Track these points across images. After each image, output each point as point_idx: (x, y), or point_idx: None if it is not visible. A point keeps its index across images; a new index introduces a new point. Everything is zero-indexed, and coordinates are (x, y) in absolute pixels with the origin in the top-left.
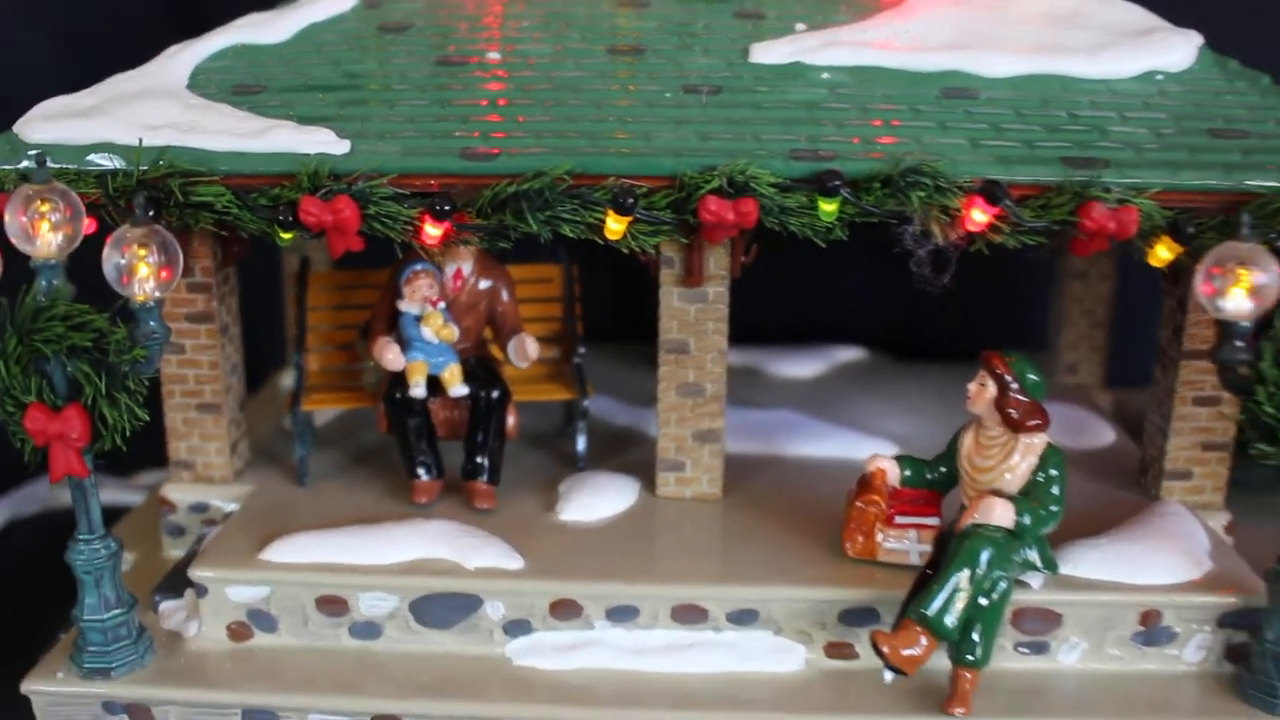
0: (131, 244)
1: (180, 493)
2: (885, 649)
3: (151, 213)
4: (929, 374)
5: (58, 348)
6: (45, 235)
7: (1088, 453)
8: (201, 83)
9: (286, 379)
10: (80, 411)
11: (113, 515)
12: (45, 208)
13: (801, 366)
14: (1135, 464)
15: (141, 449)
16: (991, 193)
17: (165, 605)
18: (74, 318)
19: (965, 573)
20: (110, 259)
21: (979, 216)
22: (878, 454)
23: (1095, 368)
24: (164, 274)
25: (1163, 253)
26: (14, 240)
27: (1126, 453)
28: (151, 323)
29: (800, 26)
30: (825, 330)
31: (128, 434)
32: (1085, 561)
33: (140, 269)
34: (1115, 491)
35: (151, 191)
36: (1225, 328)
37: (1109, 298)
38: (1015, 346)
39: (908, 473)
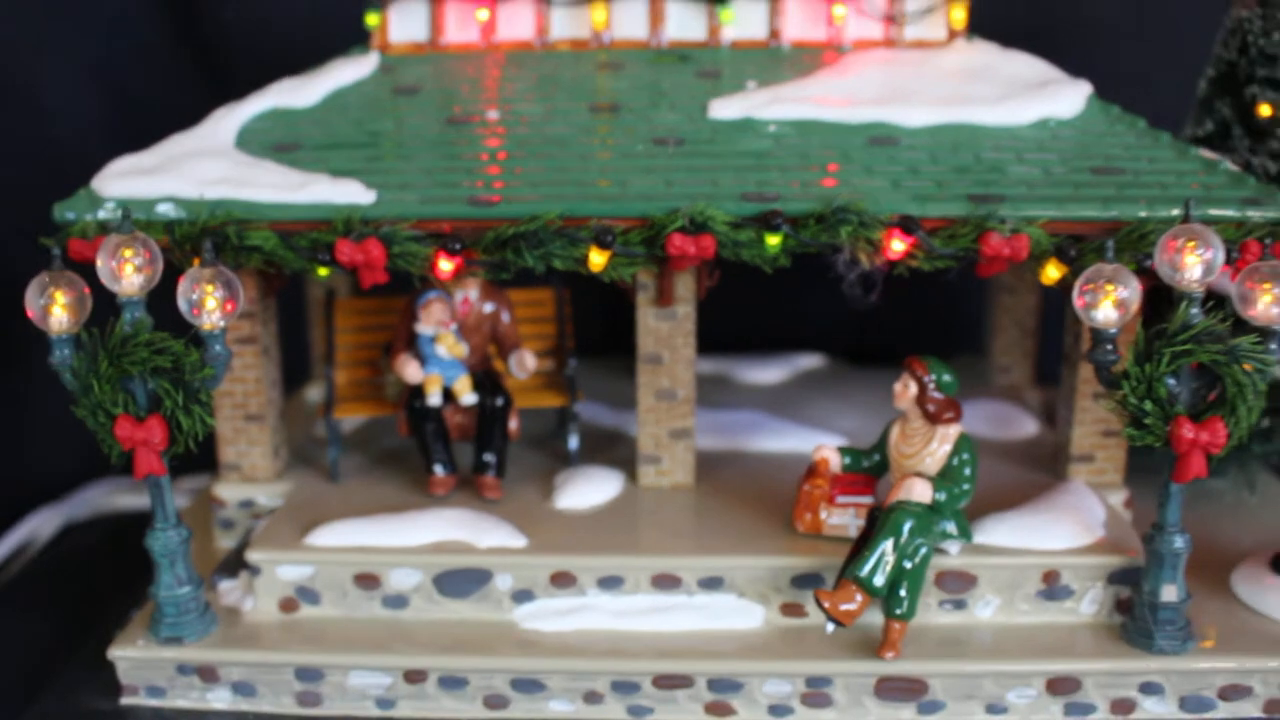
0: (201, 282)
1: (229, 491)
2: (826, 604)
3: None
4: (879, 377)
5: (142, 369)
6: (129, 277)
7: (1012, 442)
8: (247, 142)
9: (312, 392)
10: (161, 421)
11: None
12: (129, 253)
13: (766, 373)
14: (1052, 451)
15: (182, 457)
16: (907, 226)
17: (224, 585)
18: (156, 344)
19: (891, 540)
20: (184, 294)
21: (898, 246)
22: (822, 445)
23: (1026, 369)
24: (228, 306)
25: (1051, 272)
26: (103, 280)
27: (1046, 442)
28: (217, 346)
29: (751, 84)
30: (789, 339)
31: (200, 438)
32: (996, 531)
33: (209, 302)
34: (1031, 474)
35: (213, 237)
36: (1097, 334)
37: (1036, 308)
38: (956, 352)
39: (847, 460)
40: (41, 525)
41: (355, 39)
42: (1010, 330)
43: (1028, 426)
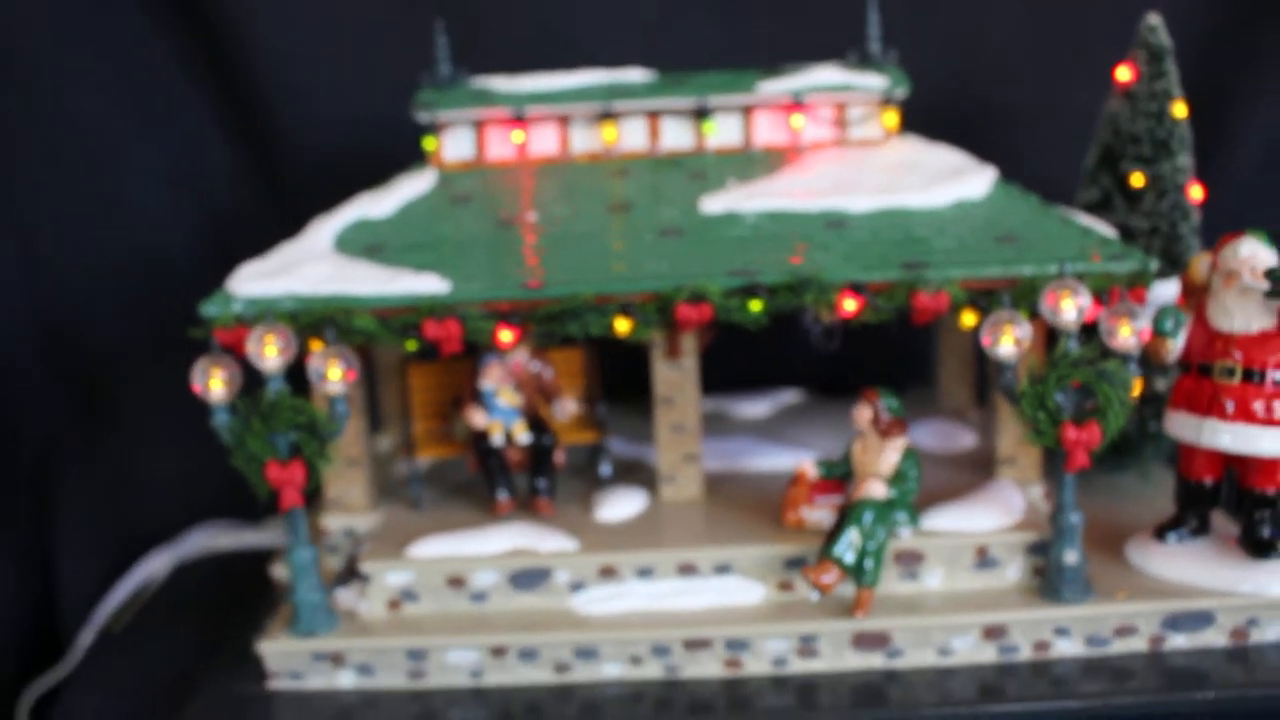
0: (327, 358)
1: (334, 521)
2: (810, 578)
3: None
4: (847, 405)
5: (286, 426)
6: (272, 358)
7: (954, 453)
8: (343, 246)
9: (383, 441)
10: (302, 464)
11: (260, 555)
12: (271, 339)
13: (755, 408)
14: (985, 457)
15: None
16: (856, 289)
17: (341, 592)
18: (297, 407)
19: (856, 527)
20: (314, 367)
21: (850, 305)
22: (803, 460)
23: (967, 393)
24: (349, 375)
25: (968, 319)
26: (252, 361)
27: (983, 451)
28: (340, 407)
29: (732, 181)
30: (773, 378)
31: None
32: (939, 518)
33: (333, 373)
34: (968, 476)
35: (329, 324)
36: (1001, 365)
37: (973, 342)
38: (909, 382)
39: (822, 470)
40: (156, 566)
41: (397, 150)
42: (952, 362)
43: (967, 440)
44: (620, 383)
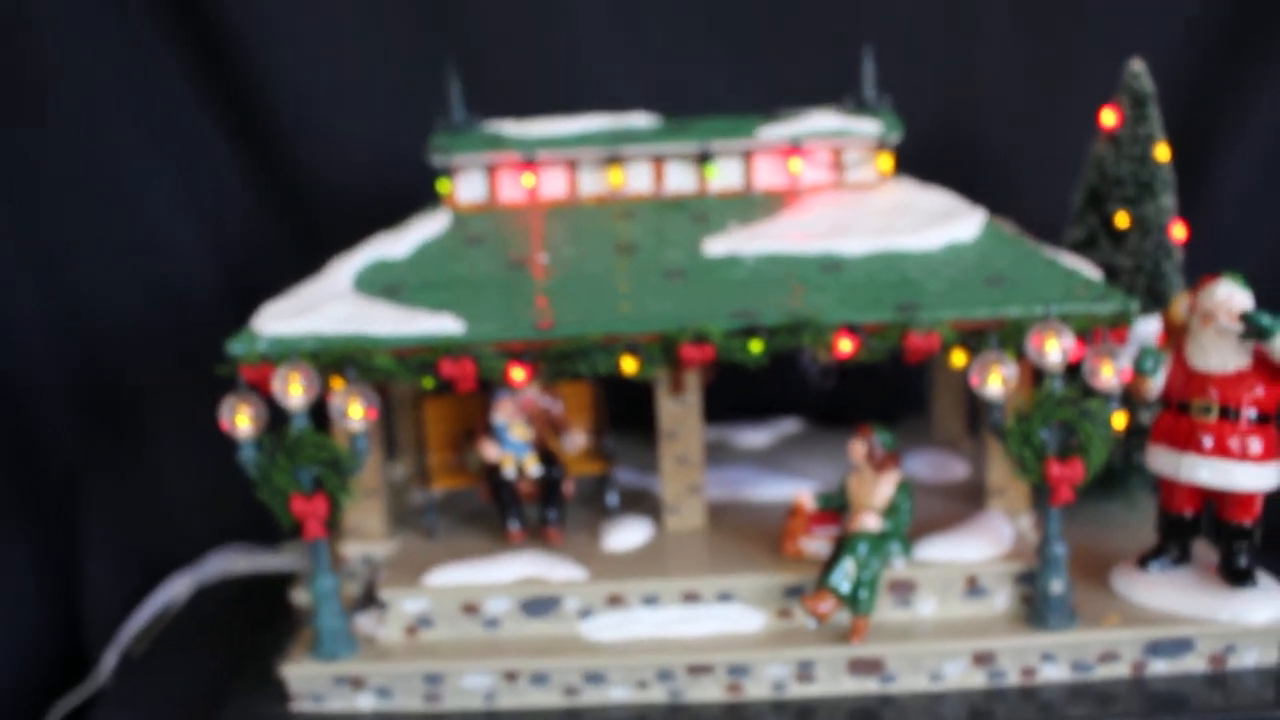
0: (348, 397)
1: (352, 549)
2: (808, 606)
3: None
4: (845, 435)
5: (309, 461)
6: (297, 396)
7: (947, 483)
8: (362, 286)
9: (396, 470)
10: (325, 497)
11: (277, 579)
12: (295, 377)
13: (756, 437)
14: (977, 487)
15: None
16: (851, 330)
17: (360, 618)
18: (320, 443)
19: (851, 558)
20: (335, 405)
21: (845, 346)
22: (801, 491)
23: (960, 424)
24: (370, 413)
25: (958, 359)
26: (277, 400)
27: (974, 481)
28: (360, 443)
29: (733, 224)
30: (774, 407)
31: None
32: (931, 548)
33: (354, 411)
34: (960, 506)
35: (349, 362)
36: (990, 404)
37: (965, 377)
38: (903, 413)
39: (819, 502)
40: (178, 589)
41: (408, 180)
42: (946, 393)
43: (959, 470)
44: (626, 415)
